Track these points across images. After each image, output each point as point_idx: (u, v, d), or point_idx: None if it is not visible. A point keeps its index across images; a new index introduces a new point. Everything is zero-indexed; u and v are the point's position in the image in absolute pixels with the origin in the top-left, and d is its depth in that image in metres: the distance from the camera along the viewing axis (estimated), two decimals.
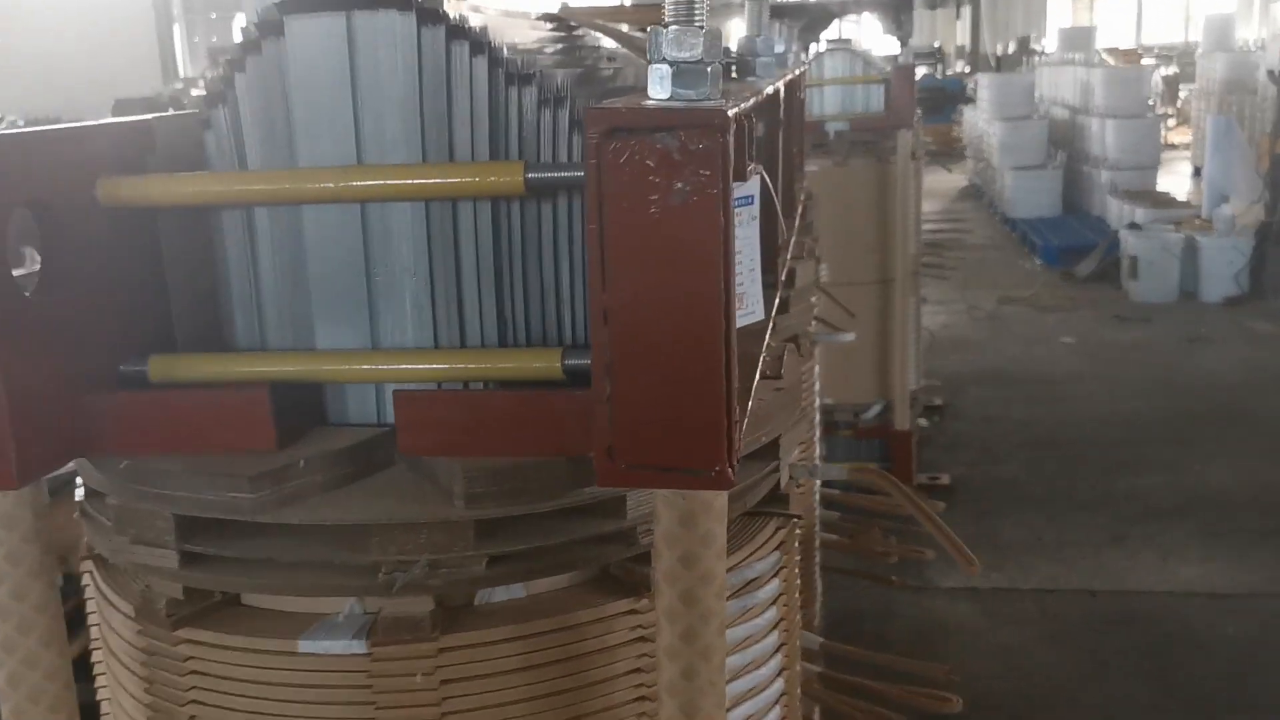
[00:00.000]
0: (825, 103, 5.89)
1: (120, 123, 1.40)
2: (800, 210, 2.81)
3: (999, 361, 8.38)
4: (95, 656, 1.52)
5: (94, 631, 1.50)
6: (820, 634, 3.55)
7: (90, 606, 1.49)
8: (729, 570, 1.42)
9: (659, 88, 1.10)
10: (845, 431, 6.02)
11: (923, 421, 7.05)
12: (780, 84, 1.86)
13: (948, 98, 17.07)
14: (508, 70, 1.32)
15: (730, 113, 1.07)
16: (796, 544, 1.63)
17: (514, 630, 1.28)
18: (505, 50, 1.32)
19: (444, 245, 1.35)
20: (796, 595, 1.60)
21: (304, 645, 1.26)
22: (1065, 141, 13.04)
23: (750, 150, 1.46)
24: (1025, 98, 13.66)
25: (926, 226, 7.91)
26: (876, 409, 5.95)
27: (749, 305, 1.45)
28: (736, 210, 1.43)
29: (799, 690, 1.64)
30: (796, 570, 1.60)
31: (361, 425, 1.38)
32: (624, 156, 1.07)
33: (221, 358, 1.35)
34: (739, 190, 1.43)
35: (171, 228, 1.40)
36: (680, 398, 1.11)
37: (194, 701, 1.32)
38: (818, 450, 3.38)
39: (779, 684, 1.52)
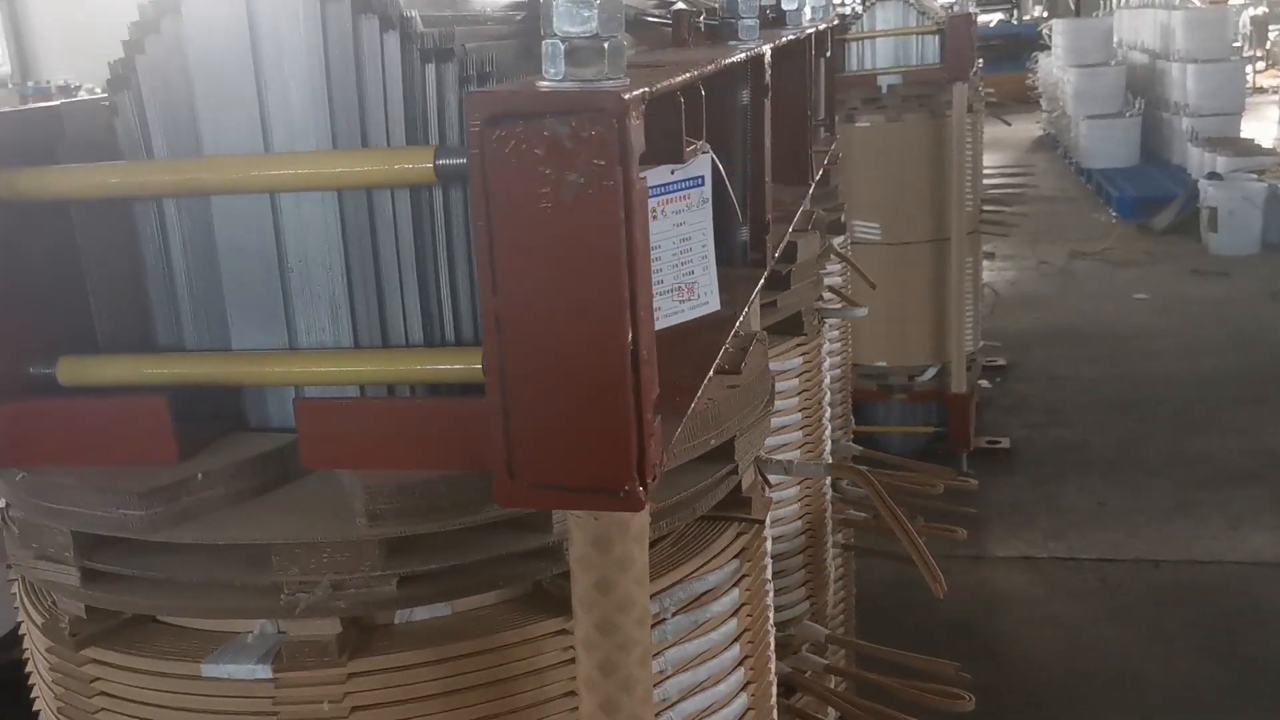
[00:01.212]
0: (878, 56, 5.67)
1: (26, 110, 1.32)
2: (819, 175, 2.67)
3: (1068, 319, 8.11)
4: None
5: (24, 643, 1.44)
6: (854, 613, 3.44)
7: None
8: (677, 583, 1.32)
9: (551, 67, 0.98)
10: (900, 395, 5.85)
11: (984, 383, 6.85)
12: (765, 48, 1.72)
13: (1023, 45, 16.53)
14: (424, 47, 1.21)
15: (630, 94, 0.95)
16: (766, 548, 1.52)
17: (432, 653, 1.19)
18: (420, 24, 1.21)
19: (360, 238, 1.25)
20: (766, 603, 1.49)
21: (207, 669, 1.18)
22: (1144, 88, 12.56)
23: (699, 128, 1.34)
24: (1102, 43, 13.16)
25: (990, 181, 7.65)
26: (932, 372, 5.77)
27: (700, 296, 1.33)
28: (683, 193, 1.32)
29: (773, 702, 1.53)
30: (766, 576, 1.49)
31: (283, 431, 1.30)
32: (510, 145, 0.96)
33: (132, 359, 1.27)
34: (685, 172, 1.31)
35: (87, 221, 1.31)
36: (582, 412, 1.00)
37: None
38: (852, 425, 3.25)
39: (742, 699, 1.42)
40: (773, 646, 1.58)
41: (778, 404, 2.14)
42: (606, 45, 0.97)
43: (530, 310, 0.99)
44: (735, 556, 1.40)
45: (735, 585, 1.40)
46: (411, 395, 1.27)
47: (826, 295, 2.68)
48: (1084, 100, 12.38)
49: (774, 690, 1.57)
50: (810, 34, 2.45)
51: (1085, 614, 4.56)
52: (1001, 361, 7.23)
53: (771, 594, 1.56)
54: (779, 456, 2.13)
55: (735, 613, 1.40)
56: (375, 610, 1.18)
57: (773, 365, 2.10)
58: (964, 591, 4.80)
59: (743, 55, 1.57)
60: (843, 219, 2.99)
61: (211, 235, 1.27)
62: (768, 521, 1.56)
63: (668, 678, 1.32)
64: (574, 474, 1.01)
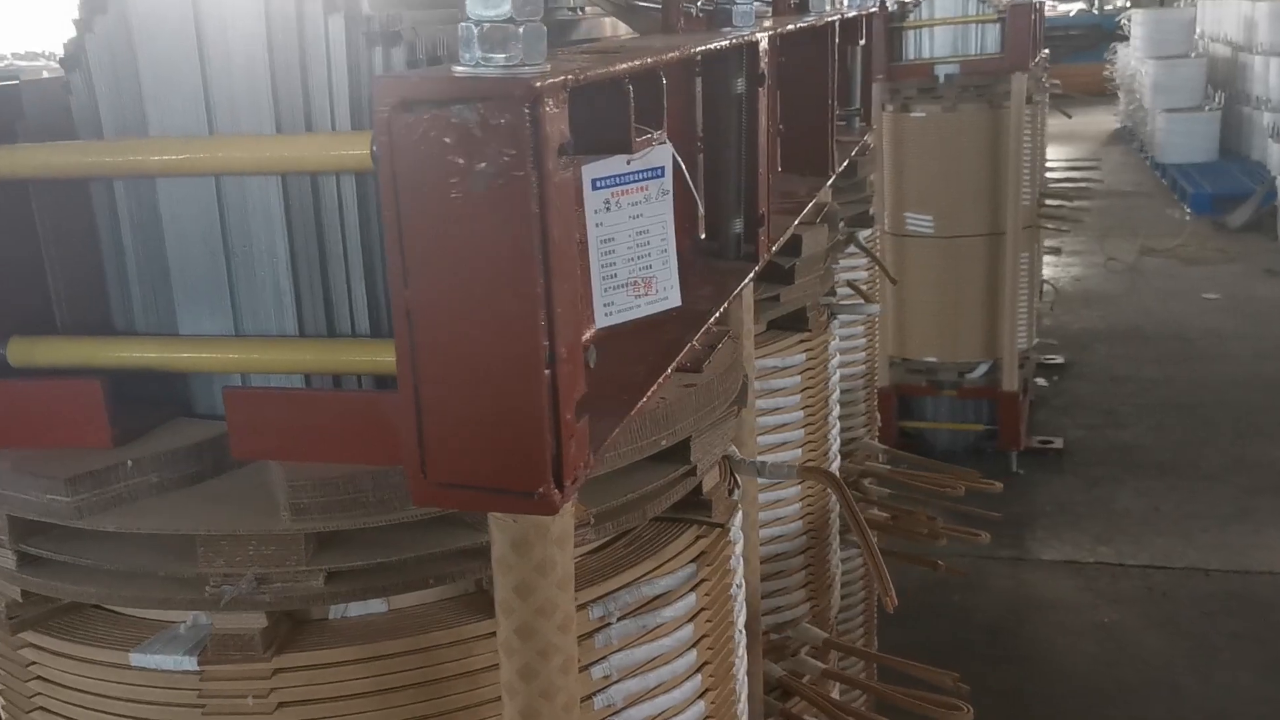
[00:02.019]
0: (936, 44, 5.55)
1: None
2: (842, 167, 2.60)
3: (1133, 317, 7.91)
4: None
5: None
6: (877, 614, 3.37)
7: None
8: (624, 587, 1.28)
9: (466, 52, 0.94)
10: (950, 391, 5.74)
11: (1041, 381, 6.71)
12: (760, 35, 1.66)
13: (1102, 35, 16.15)
14: (370, 29, 1.18)
15: (547, 81, 0.91)
16: (736, 552, 1.47)
17: (360, 651, 1.16)
18: (366, 6, 1.18)
19: (304, 224, 1.22)
20: (730, 608, 1.44)
21: (136, 659, 1.17)
22: (1225, 81, 12.21)
23: (659, 118, 1.29)
24: (1183, 34, 12.81)
25: (1054, 174, 7.48)
26: (983, 368, 5.65)
27: (658, 291, 1.29)
28: (640, 185, 1.27)
29: (739, 709, 1.49)
30: (731, 581, 1.45)
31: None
32: (418, 133, 0.92)
33: (74, 342, 1.25)
34: (642, 163, 1.27)
35: (43, 201, 1.30)
36: (495, 411, 0.96)
37: (40, 709, 1.24)
38: (877, 427, 3.18)
39: (699, 707, 1.37)
40: (741, 652, 1.54)
41: (777, 401, 2.09)
42: (522, 30, 0.93)
43: (441, 305, 0.95)
44: (693, 560, 1.36)
45: (693, 590, 1.35)
46: (359, 387, 1.25)
47: (845, 290, 2.62)
48: (1162, 92, 12.06)
49: (741, 696, 1.53)
50: (833, 21, 2.38)
51: (1128, 622, 4.44)
52: (1060, 360, 7.07)
53: (740, 598, 1.51)
54: (778, 456, 2.08)
55: (693, 618, 1.36)
56: (302, 605, 1.16)
57: (773, 362, 2.05)
58: (1003, 595, 4.70)
59: (727, 42, 1.52)
60: (870, 211, 2.91)
61: (158, 218, 1.25)
62: (740, 524, 1.52)
63: (614, 683, 1.28)
64: (486, 474, 0.98)
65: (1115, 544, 5.01)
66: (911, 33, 5.53)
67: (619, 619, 1.26)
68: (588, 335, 1.29)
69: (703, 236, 1.78)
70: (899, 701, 2.04)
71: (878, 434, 3.11)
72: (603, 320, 1.26)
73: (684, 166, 1.27)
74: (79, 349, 1.24)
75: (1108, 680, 4.08)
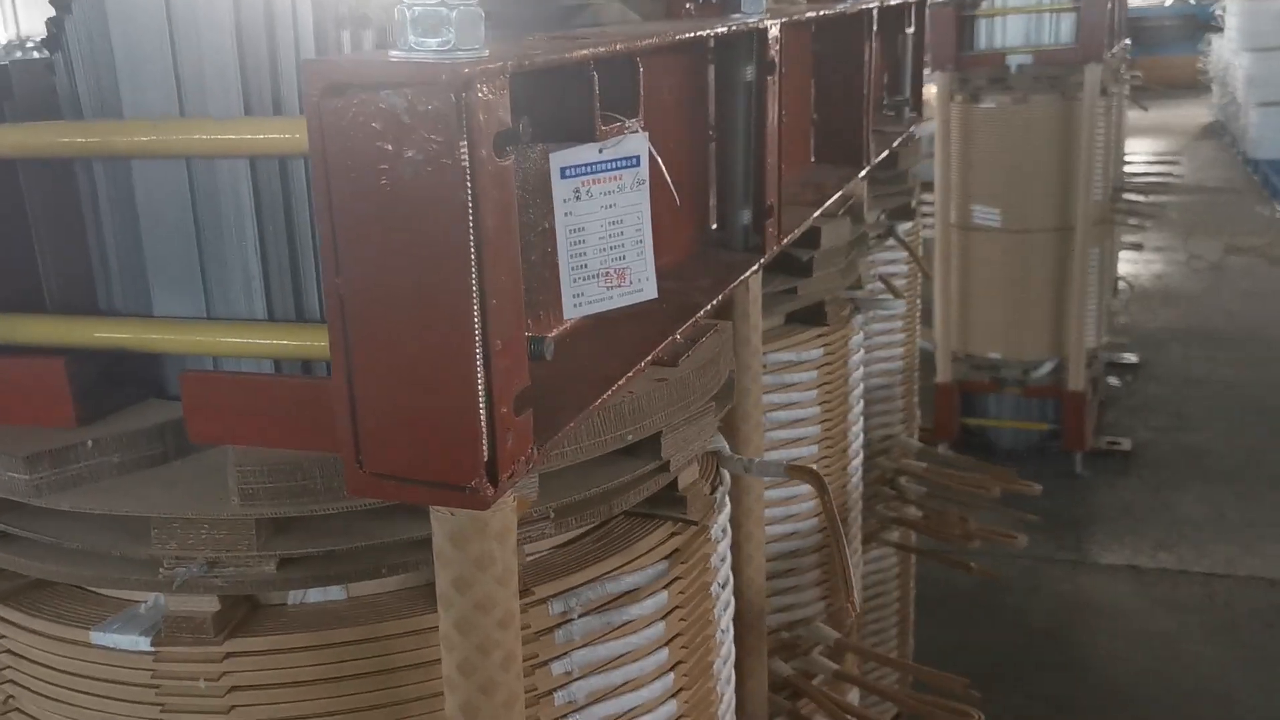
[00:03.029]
0: (1008, 34, 5.42)
1: None
2: (879, 157, 2.54)
3: (1212, 318, 7.69)
4: None
5: None
6: (912, 614, 3.31)
7: None
8: (587, 583, 1.26)
9: (401, 36, 0.92)
10: (1013, 389, 5.62)
11: (1113, 381, 6.55)
12: (770, 23, 1.62)
13: (1197, 26, 15.69)
14: (339, 12, 1.17)
15: (479, 67, 0.89)
16: (716, 550, 1.44)
17: (313, 638, 1.16)
18: None
19: (274, 208, 1.21)
20: (709, 606, 1.41)
21: (95, 637, 1.17)
22: None
23: (635, 105, 1.26)
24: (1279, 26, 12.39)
25: (1133, 169, 7.28)
26: (1048, 366, 5.53)
27: (632, 282, 1.26)
28: (614, 174, 1.25)
29: (716, 710, 1.46)
30: (711, 580, 1.42)
31: None
32: (347, 118, 0.91)
33: (45, 320, 1.25)
34: (616, 151, 1.24)
35: (33, 181, 1.32)
36: (427, 402, 0.95)
37: (10, 681, 1.26)
38: (917, 420, 3.12)
39: (670, 706, 1.35)
40: (725, 652, 1.51)
41: (791, 396, 2.05)
42: (455, 14, 0.91)
43: (373, 294, 0.94)
44: (665, 558, 1.33)
45: (665, 588, 1.33)
46: (328, 373, 1.24)
47: (875, 284, 2.57)
48: (1256, 86, 11.67)
49: (724, 696, 1.50)
50: (870, 9, 2.33)
51: (1184, 630, 4.32)
52: (1133, 359, 6.90)
53: (724, 597, 1.48)
54: (792, 453, 2.04)
55: (666, 616, 1.34)
56: (254, 590, 1.16)
57: (788, 356, 2.01)
58: (1059, 598, 4.60)
59: (726, 29, 1.48)
60: (912, 204, 2.85)
61: (133, 199, 1.26)
62: (724, 522, 1.49)
63: (576, 679, 1.26)
64: (420, 467, 0.97)
65: (1177, 550, 4.88)
66: (983, 21, 5.41)
67: (581, 615, 1.24)
68: (561, 328, 1.28)
69: (714, 227, 1.75)
70: (909, 706, 1.99)
71: (917, 432, 3.05)
72: (571, 311, 1.24)
73: (659, 157, 1.24)
74: (53, 328, 1.25)
75: (1161, 689, 3.97)
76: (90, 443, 1.16)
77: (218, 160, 1.21)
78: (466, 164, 0.90)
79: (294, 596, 1.20)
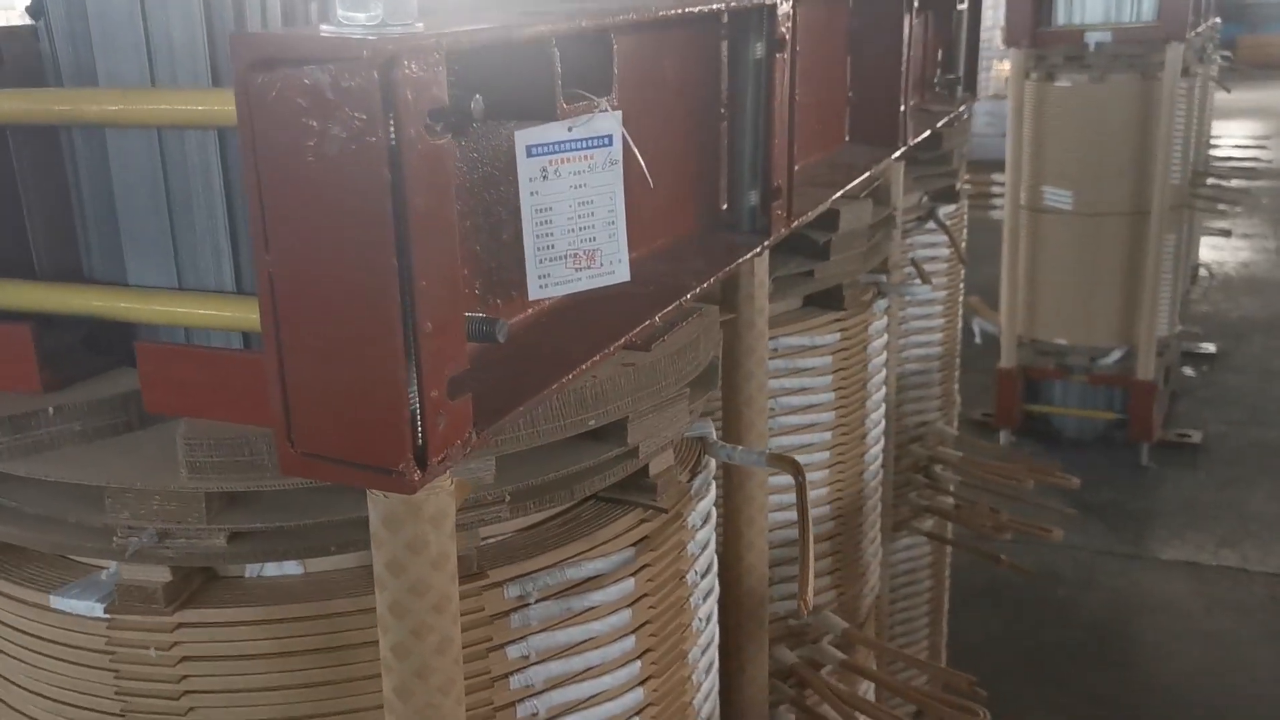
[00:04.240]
0: (1087, 10, 5.26)
1: None
2: (918, 138, 2.48)
3: None
4: None
5: None
6: (945, 605, 3.25)
7: None
8: (545, 568, 1.25)
9: (332, 10, 0.91)
10: (1079, 376, 5.49)
11: (1188, 371, 6.37)
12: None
13: None
14: None
15: (403, 45, 0.87)
16: (693, 538, 1.42)
17: (263, 612, 1.16)
18: None
19: (241, 179, 1.21)
20: (683, 593, 1.39)
21: (55, 601, 1.19)
22: None
23: (608, 83, 1.23)
24: None
25: (1222, 152, 7.05)
26: (1117, 354, 5.38)
27: (603, 264, 1.24)
28: (585, 153, 1.22)
29: (689, 699, 1.44)
30: (685, 568, 1.39)
31: None
32: (273, 93, 0.89)
33: (13, 286, 1.26)
34: (586, 130, 1.21)
35: (21, 147, 1.33)
36: (354, 383, 0.94)
37: None
38: (956, 407, 3.05)
39: (636, 694, 1.33)
40: (705, 640, 1.49)
41: (804, 382, 2.01)
42: None
43: (301, 272, 0.93)
44: (632, 545, 1.31)
45: (633, 575, 1.31)
46: None
47: (907, 270, 2.50)
48: None
49: (702, 686, 1.48)
50: None
51: (1243, 631, 4.20)
52: (1211, 349, 6.70)
53: (702, 586, 1.46)
54: (806, 438, 2.01)
55: (633, 603, 1.32)
56: (205, 562, 1.16)
57: (801, 341, 1.97)
58: (1114, 593, 4.49)
59: (713, 7, 1.44)
60: (956, 186, 2.77)
61: (108, 168, 1.26)
62: (703, 509, 1.46)
63: (533, 664, 1.25)
64: (349, 447, 0.96)
65: (1241, 548, 4.73)
66: None
67: (539, 600, 1.23)
68: (537, 309, 1.26)
69: (724, 208, 1.72)
70: (914, 699, 1.96)
71: (956, 420, 2.98)
72: (536, 293, 1.21)
73: (629, 137, 1.21)
74: (28, 294, 1.25)
75: (1213, 692, 3.86)
76: (52, 410, 1.17)
77: (187, 132, 1.20)
78: (394, 142, 0.88)
79: (251, 570, 1.21)
